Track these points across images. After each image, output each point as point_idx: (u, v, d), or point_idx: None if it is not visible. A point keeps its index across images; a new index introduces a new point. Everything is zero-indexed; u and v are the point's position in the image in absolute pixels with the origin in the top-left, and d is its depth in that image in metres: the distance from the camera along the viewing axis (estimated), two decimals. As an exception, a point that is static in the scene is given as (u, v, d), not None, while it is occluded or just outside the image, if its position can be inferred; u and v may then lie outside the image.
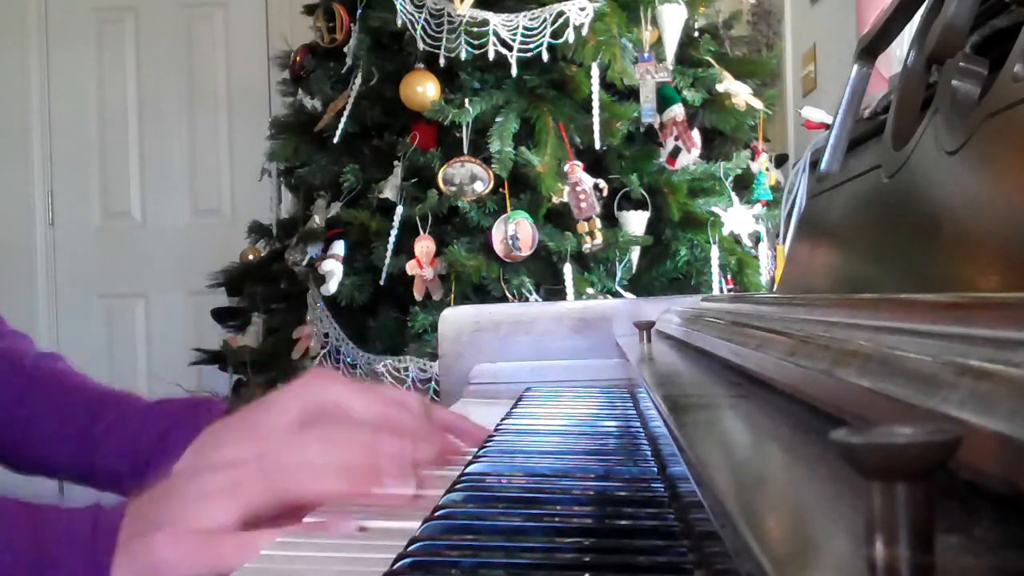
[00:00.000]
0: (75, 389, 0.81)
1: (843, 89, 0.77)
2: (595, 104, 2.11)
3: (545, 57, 2.08)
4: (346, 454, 0.59)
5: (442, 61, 2.14)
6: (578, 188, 2.07)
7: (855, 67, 0.76)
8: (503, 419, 0.81)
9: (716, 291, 2.14)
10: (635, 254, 2.16)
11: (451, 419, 0.76)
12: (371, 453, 0.59)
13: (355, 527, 0.52)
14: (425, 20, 2.13)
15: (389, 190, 2.18)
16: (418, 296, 2.11)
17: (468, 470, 0.60)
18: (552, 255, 2.10)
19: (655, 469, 0.59)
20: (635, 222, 2.17)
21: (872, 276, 0.65)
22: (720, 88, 2.25)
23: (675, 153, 2.18)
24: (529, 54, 2.08)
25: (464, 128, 2.12)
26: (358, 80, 2.29)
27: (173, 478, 0.58)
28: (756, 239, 2.24)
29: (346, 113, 2.28)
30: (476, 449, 0.68)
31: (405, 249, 2.13)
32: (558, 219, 2.12)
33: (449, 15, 2.11)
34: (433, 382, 1.97)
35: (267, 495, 0.55)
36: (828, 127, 0.93)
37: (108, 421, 0.78)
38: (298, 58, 2.55)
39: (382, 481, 0.58)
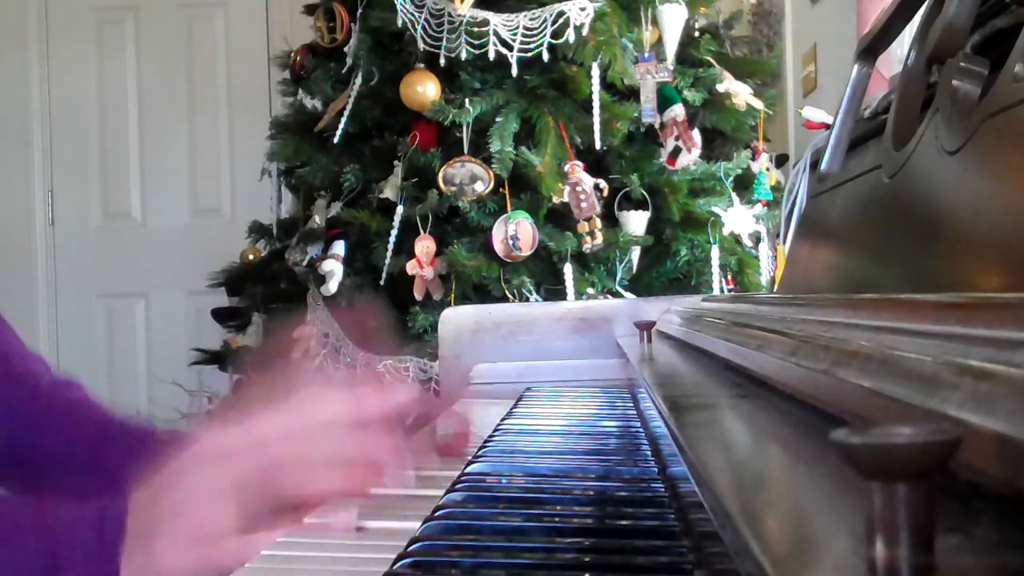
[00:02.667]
0: (90, 419, 0.82)
1: (843, 89, 0.77)
2: (595, 104, 2.11)
3: (545, 57, 2.08)
4: (344, 452, 0.58)
5: (442, 61, 2.13)
6: (578, 188, 2.07)
7: (855, 67, 0.76)
8: (503, 419, 0.81)
9: (716, 291, 2.14)
10: (635, 254, 2.16)
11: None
12: (369, 451, 0.59)
13: (354, 523, 0.52)
14: (425, 20, 2.12)
15: (389, 190, 2.18)
16: (418, 296, 2.11)
17: (468, 470, 0.60)
18: (552, 255, 2.10)
19: (655, 469, 0.59)
20: (635, 222, 2.17)
21: (872, 276, 0.65)
22: (720, 88, 2.24)
23: (675, 153, 2.18)
24: (529, 54, 2.08)
25: (464, 128, 2.12)
26: (358, 80, 2.29)
27: (175, 472, 0.58)
28: (756, 239, 2.24)
29: (346, 113, 2.28)
30: (476, 449, 0.68)
31: (405, 249, 2.13)
32: (558, 219, 2.12)
33: (449, 15, 2.11)
34: (433, 382, 1.97)
35: (266, 494, 0.55)
36: (828, 127, 0.93)
37: (120, 451, 0.78)
38: (298, 58, 2.55)
39: (381, 479, 0.57)
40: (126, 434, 0.80)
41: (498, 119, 2.10)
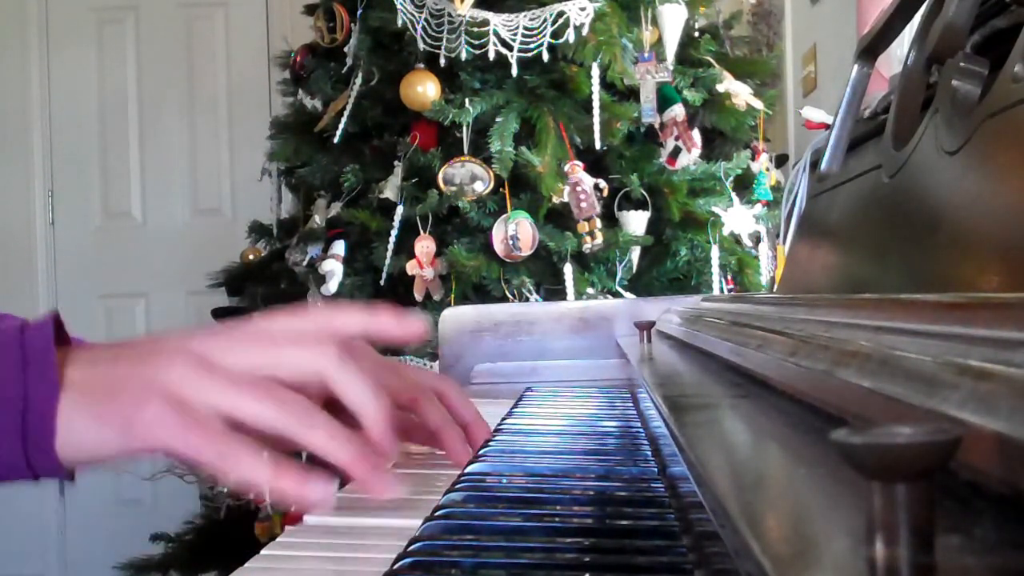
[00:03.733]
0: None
1: (843, 89, 0.77)
2: (595, 104, 2.11)
3: (545, 57, 2.08)
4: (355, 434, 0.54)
5: (442, 61, 2.13)
6: (578, 188, 2.07)
7: (855, 67, 0.76)
8: (503, 419, 0.81)
9: (716, 291, 2.14)
10: (635, 254, 2.16)
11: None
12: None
13: (332, 496, 0.51)
14: (425, 20, 2.12)
15: (389, 190, 2.18)
16: (418, 296, 2.11)
17: (468, 470, 0.60)
18: (552, 255, 2.10)
19: (655, 469, 0.59)
20: (635, 222, 2.17)
21: (872, 276, 0.65)
22: (720, 88, 2.24)
23: (675, 153, 2.18)
24: (529, 54, 2.08)
25: (464, 128, 2.12)
26: (358, 80, 2.29)
27: (178, 344, 0.55)
28: (756, 239, 2.24)
29: (346, 113, 2.28)
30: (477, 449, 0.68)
31: (405, 249, 2.13)
32: (558, 219, 2.12)
33: (449, 15, 2.11)
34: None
35: (270, 420, 0.52)
36: (828, 127, 0.93)
37: None
38: (298, 58, 2.55)
39: (377, 471, 0.54)
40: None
41: (498, 119, 2.10)
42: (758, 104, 2.27)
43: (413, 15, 2.12)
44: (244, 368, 0.54)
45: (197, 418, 0.51)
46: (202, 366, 0.53)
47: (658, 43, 2.22)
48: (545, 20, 2.07)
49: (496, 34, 2.08)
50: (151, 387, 0.52)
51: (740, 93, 2.24)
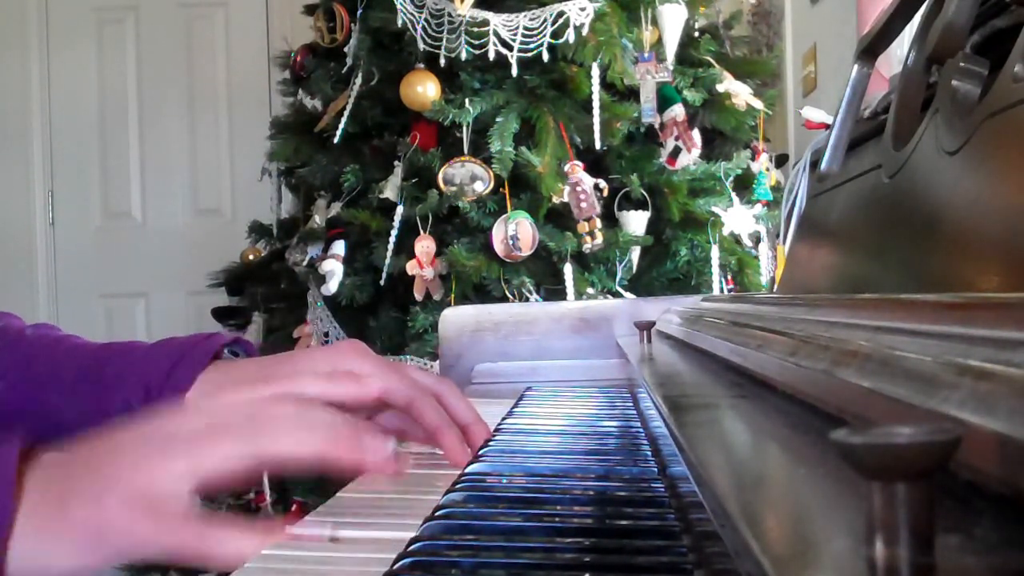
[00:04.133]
0: (77, 347, 0.80)
1: (843, 89, 0.77)
2: (595, 104, 2.11)
3: (545, 57, 2.08)
4: (325, 416, 0.54)
5: (442, 61, 2.13)
6: (578, 188, 2.07)
7: (855, 67, 0.76)
8: (503, 419, 0.81)
9: (716, 291, 2.14)
10: (635, 254, 2.16)
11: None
12: (342, 421, 0.55)
13: (328, 535, 0.49)
14: (425, 20, 2.12)
15: (389, 190, 2.18)
16: (418, 296, 2.11)
17: (468, 470, 0.60)
18: (552, 255, 2.10)
19: (655, 469, 0.59)
20: (635, 222, 2.17)
21: (872, 276, 0.65)
22: (720, 88, 2.24)
23: (675, 153, 2.18)
24: (529, 54, 2.08)
25: (464, 128, 2.12)
26: (358, 80, 2.29)
27: (124, 434, 0.53)
28: (756, 239, 2.24)
29: (346, 113, 2.28)
30: (477, 449, 0.68)
31: (405, 249, 2.13)
32: (558, 219, 2.12)
33: (449, 15, 2.11)
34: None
35: (231, 448, 0.51)
36: (828, 127, 0.93)
37: (116, 366, 0.76)
38: (298, 58, 2.55)
39: (363, 440, 0.54)
40: (121, 350, 0.78)
41: (498, 119, 2.10)
42: (758, 104, 2.27)
43: (413, 15, 2.12)
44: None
45: (168, 510, 0.49)
46: (158, 453, 0.50)
47: (658, 43, 2.22)
48: (545, 20, 2.07)
49: (496, 34, 2.08)
50: (108, 492, 0.49)
51: (740, 93, 2.24)
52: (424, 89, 2.16)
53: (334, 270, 2.20)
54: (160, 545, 0.49)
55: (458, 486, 0.55)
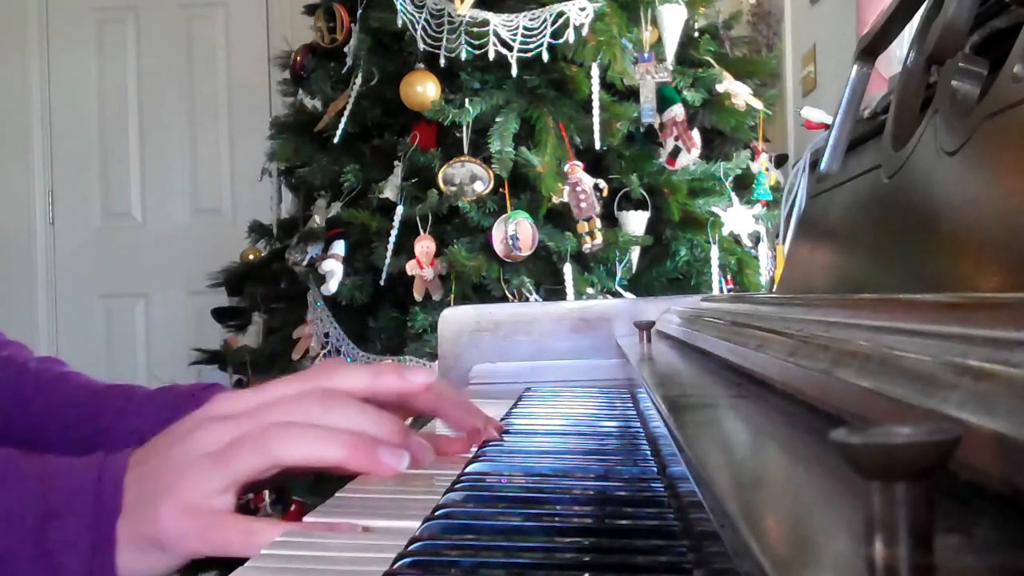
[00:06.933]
0: (80, 387, 0.82)
1: (843, 89, 0.77)
2: (595, 104, 2.11)
3: (545, 57, 2.08)
4: (341, 421, 0.58)
5: (442, 61, 2.13)
6: (578, 188, 2.07)
7: (855, 67, 0.76)
8: (503, 419, 0.81)
9: (716, 291, 2.14)
10: (635, 254, 2.16)
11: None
12: (368, 423, 0.58)
13: (359, 527, 0.52)
14: (425, 20, 2.13)
15: (389, 190, 2.18)
16: (418, 296, 2.11)
17: (468, 470, 0.60)
18: (552, 255, 2.10)
19: (655, 469, 0.59)
20: (635, 222, 2.17)
21: (872, 276, 0.65)
22: (720, 88, 2.24)
23: (675, 153, 2.18)
24: (529, 54, 2.08)
25: (464, 128, 2.12)
26: (358, 80, 2.29)
27: (167, 436, 0.58)
28: (756, 239, 2.24)
29: (346, 113, 2.28)
30: (476, 449, 0.68)
31: (405, 249, 2.13)
32: (558, 219, 2.12)
33: (449, 15, 2.11)
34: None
35: (257, 458, 0.55)
36: (828, 127, 0.93)
37: (113, 411, 0.79)
38: (298, 58, 2.55)
39: (378, 453, 0.57)
40: (120, 394, 0.81)
41: (498, 119, 2.10)
42: (758, 104, 2.27)
43: (413, 15, 2.12)
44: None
45: (213, 514, 0.53)
46: (197, 468, 0.55)
47: (658, 43, 2.22)
48: (545, 20, 2.07)
49: (496, 34, 2.08)
50: (163, 501, 0.54)
51: (740, 93, 2.24)
52: (424, 89, 2.16)
53: (334, 270, 2.20)
54: (210, 544, 0.53)
55: (458, 486, 0.55)
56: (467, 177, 2.11)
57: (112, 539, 0.53)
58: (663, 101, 2.19)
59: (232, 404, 0.59)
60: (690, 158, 2.18)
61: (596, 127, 2.11)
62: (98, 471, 0.55)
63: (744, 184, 2.26)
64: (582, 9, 2.08)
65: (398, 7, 2.12)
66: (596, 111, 2.11)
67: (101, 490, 0.54)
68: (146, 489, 0.54)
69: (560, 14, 2.07)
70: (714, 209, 2.18)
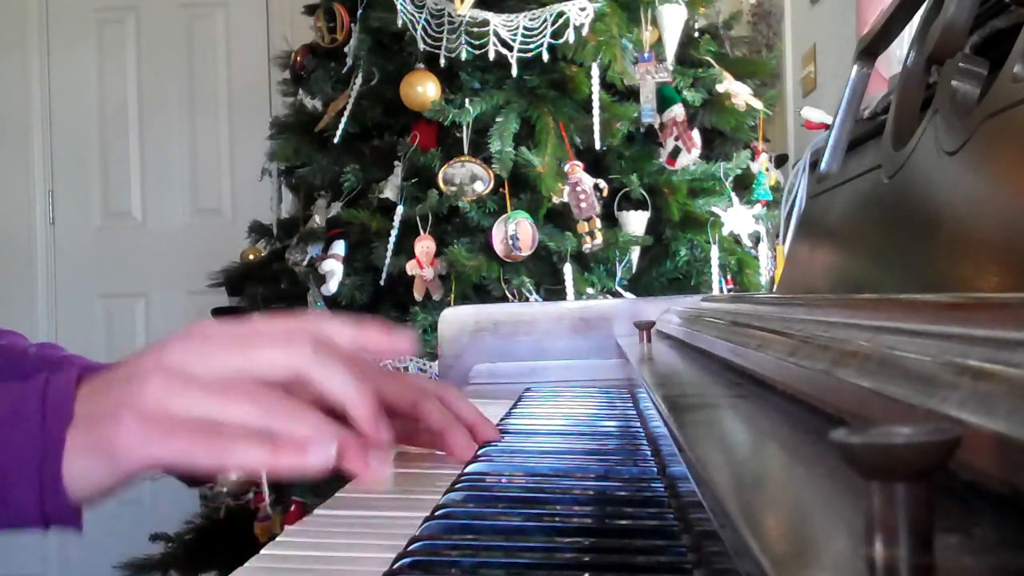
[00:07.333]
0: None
1: (843, 89, 0.77)
2: (595, 104, 2.11)
3: (545, 57, 2.08)
4: (263, 420, 0.53)
5: (442, 61, 2.13)
6: (578, 188, 2.07)
7: (855, 67, 0.76)
8: (503, 419, 0.81)
9: (716, 291, 2.14)
10: (635, 254, 2.16)
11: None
12: (287, 423, 0.53)
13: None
14: (425, 20, 2.12)
15: (389, 190, 2.18)
16: (418, 296, 2.11)
17: (468, 470, 0.60)
18: (552, 255, 2.10)
19: (655, 469, 0.59)
20: (635, 222, 2.17)
21: (872, 276, 0.65)
22: (720, 88, 2.24)
23: (675, 153, 2.18)
24: (529, 54, 2.08)
25: (464, 128, 2.12)
26: (358, 80, 2.29)
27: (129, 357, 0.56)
28: (756, 239, 2.24)
29: (346, 113, 2.28)
30: (476, 448, 0.68)
31: (405, 249, 2.13)
32: (558, 219, 2.12)
33: (449, 15, 2.11)
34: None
35: (236, 360, 0.53)
36: (828, 127, 0.93)
37: None
38: (298, 58, 2.55)
39: (297, 457, 0.51)
40: None
41: (498, 119, 2.10)
42: (758, 104, 2.27)
43: (413, 15, 2.12)
44: (220, 373, 0.53)
45: (175, 423, 0.51)
46: (178, 379, 0.53)
47: (658, 43, 2.22)
48: (545, 20, 2.07)
49: (496, 34, 2.08)
50: (124, 408, 0.52)
51: (740, 93, 2.24)
52: (424, 89, 2.16)
53: (334, 270, 2.20)
54: (171, 450, 0.51)
55: (458, 486, 0.55)
56: (467, 177, 2.11)
57: (60, 445, 0.52)
58: (663, 101, 2.19)
59: (210, 327, 0.57)
60: (690, 158, 2.18)
61: (596, 127, 2.10)
62: (44, 384, 0.54)
63: (744, 184, 2.26)
64: (582, 9, 2.08)
65: (398, 7, 2.12)
66: (596, 111, 2.11)
67: (49, 397, 0.53)
68: (101, 400, 0.53)
69: (560, 14, 2.07)
70: (714, 209, 2.18)
